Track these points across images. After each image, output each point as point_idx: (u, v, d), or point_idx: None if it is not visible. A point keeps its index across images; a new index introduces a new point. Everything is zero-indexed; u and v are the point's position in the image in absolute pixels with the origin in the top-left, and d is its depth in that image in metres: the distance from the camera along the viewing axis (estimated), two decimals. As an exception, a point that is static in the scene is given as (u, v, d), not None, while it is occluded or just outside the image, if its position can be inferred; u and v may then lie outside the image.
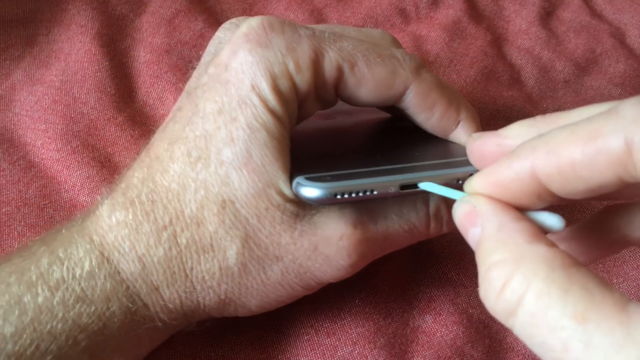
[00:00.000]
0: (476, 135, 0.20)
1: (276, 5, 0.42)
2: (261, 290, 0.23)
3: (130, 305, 0.21)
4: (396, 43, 0.27)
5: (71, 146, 0.32)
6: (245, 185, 0.21)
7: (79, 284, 0.21)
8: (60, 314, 0.20)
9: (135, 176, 0.22)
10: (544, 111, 0.37)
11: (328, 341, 0.26)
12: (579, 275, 0.15)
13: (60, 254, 0.21)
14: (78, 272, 0.21)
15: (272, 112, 0.21)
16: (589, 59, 0.41)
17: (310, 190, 0.21)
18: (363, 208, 0.23)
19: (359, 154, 0.25)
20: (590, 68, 0.41)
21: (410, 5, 0.43)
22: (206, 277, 0.22)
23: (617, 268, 0.30)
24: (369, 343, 0.26)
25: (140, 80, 0.36)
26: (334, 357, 0.26)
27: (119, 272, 0.21)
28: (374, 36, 0.26)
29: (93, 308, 0.21)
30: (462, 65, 0.40)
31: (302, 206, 0.22)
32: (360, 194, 0.21)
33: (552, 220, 0.18)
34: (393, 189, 0.21)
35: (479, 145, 0.20)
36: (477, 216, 0.18)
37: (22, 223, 0.29)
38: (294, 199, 0.21)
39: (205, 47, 0.38)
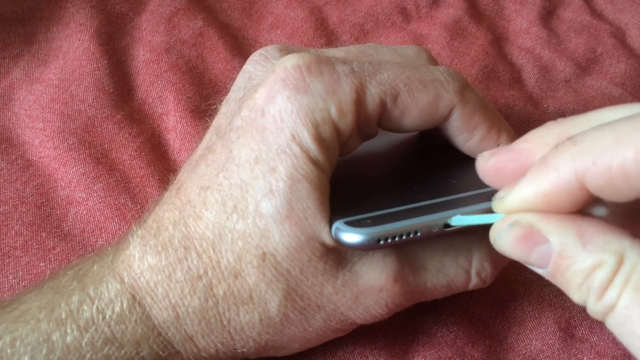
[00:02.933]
0: (487, 154, 0.20)
1: (276, 3, 0.42)
2: (303, 336, 0.22)
3: (162, 352, 0.21)
4: (432, 60, 0.26)
5: (67, 143, 0.32)
6: (287, 239, 0.20)
7: (109, 325, 0.20)
8: (88, 355, 0.20)
9: (167, 218, 0.21)
10: (544, 111, 0.37)
11: (329, 341, 0.26)
12: None
13: (91, 292, 0.21)
14: (108, 313, 0.20)
15: (313, 162, 0.20)
16: (590, 59, 0.41)
17: (351, 237, 0.20)
18: (405, 257, 0.22)
19: (393, 185, 0.24)
20: (591, 68, 0.41)
21: (411, 4, 0.43)
22: (245, 328, 0.21)
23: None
24: (369, 343, 0.26)
25: (139, 78, 0.36)
26: (334, 357, 0.26)
27: (150, 318, 0.21)
28: (410, 55, 0.25)
29: (122, 352, 0.20)
30: (463, 65, 0.40)
31: (344, 254, 0.21)
32: (404, 237, 0.20)
33: (599, 211, 0.18)
34: (436, 229, 0.20)
35: (493, 164, 0.19)
36: (537, 235, 0.17)
37: (20, 222, 0.29)
38: (336, 246, 0.21)
39: (205, 45, 0.38)
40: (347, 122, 0.21)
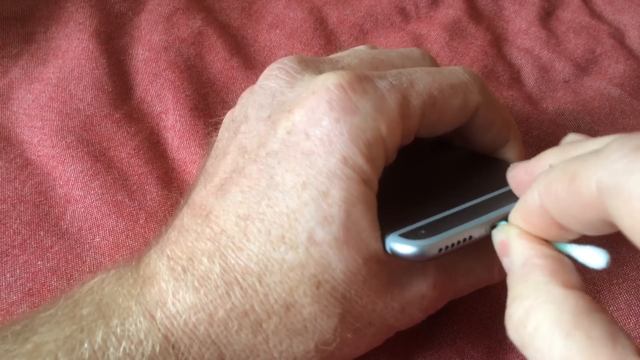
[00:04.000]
0: (513, 165, 0.21)
1: (275, 3, 0.42)
2: (353, 353, 0.22)
3: None
4: (434, 62, 0.26)
5: (66, 142, 0.32)
6: (345, 264, 0.19)
7: None
8: None
9: (199, 249, 0.20)
10: (543, 111, 0.37)
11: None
12: (586, 322, 0.15)
13: (117, 330, 0.19)
14: (138, 357, 0.18)
15: (365, 182, 0.19)
16: (589, 59, 0.41)
17: (410, 249, 0.19)
18: (439, 263, 0.22)
19: (423, 189, 0.23)
20: (590, 68, 0.41)
21: (410, 5, 0.43)
22: (299, 357, 0.20)
23: (617, 269, 0.29)
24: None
25: (138, 77, 0.36)
26: (332, 356, 0.26)
27: None
28: (417, 58, 0.25)
29: None
30: (462, 65, 0.40)
31: (392, 268, 0.21)
32: (460, 243, 0.20)
33: (592, 256, 0.17)
34: (485, 231, 0.20)
35: (514, 174, 0.20)
36: (507, 247, 0.19)
37: (18, 221, 0.29)
38: (388, 262, 0.20)
39: (204, 45, 0.38)
40: (395, 139, 0.20)
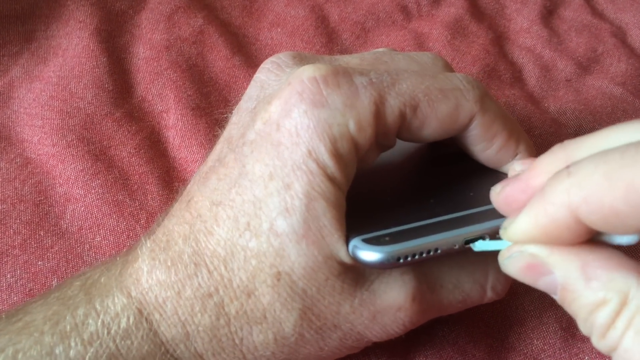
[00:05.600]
0: (498, 187, 0.19)
1: (277, 1, 0.42)
2: (318, 354, 0.22)
3: None
4: (448, 67, 0.25)
5: (66, 140, 0.31)
6: (304, 259, 0.19)
7: (114, 341, 0.19)
8: None
9: (177, 231, 0.21)
10: (545, 110, 0.37)
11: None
12: None
13: (97, 305, 0.20)
14: (114, 328, 0.20)
15: (330, 179, 0.19)
16: (591, 58, 0.41)
17: (369, 255, 0.19)
18: (422, 275, 0.21)
19: (409, 198, 0.23)
20: (591, 67, 0.41)
21: (412, 3, 0.43)
22: (259, 348, 0.21)
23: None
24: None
25: (139, 76, 0.36)
26: (334, 356, 0.26)
27: (157, 334, 0.20)
28: (426, 62, 0.24)
29: None
30: (464, 64, 0.39)
31: (362, 273, 0.21)
32: (424, 255, 0.19)
33: (624, 239, 0.16)
34: (457, 246, 0.19)
35: (504, 198, 0.19)
36: (542, 266, 0.17)
37: (18, 220, 0.29)
38: (353, 265, 0.20)
39: (205, 43, 0.38)
40: (366, 136, 0.20)
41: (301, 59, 0.23)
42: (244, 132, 0.21)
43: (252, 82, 0.23)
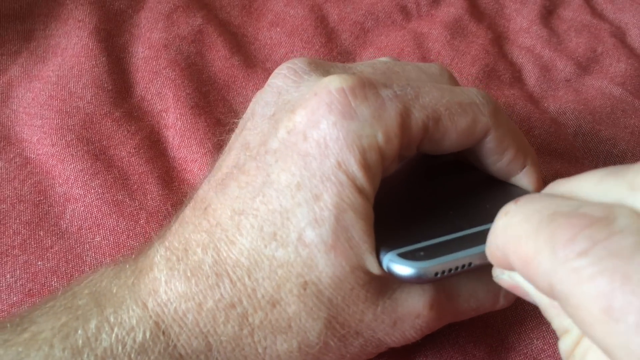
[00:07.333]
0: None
1: (276, 1, 0.42)
2: (338, 357, 0.22)
3: None
4: (453, 79, 0.26)
5: (66, 140, 0.31)
6: (332, 269, 0.19)
7: (129, 356, 0.19)
8: None
9: (194, 240, 0.20)
10: (544, 110, 0.37)
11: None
12: None
13: (111, 318, 0.19)
14: (129, 343, 0.19)
15: (359, 190, 0.19)
16: (590, 58, 0.41)
17: (407, 270, 0.19)
18: (440, 285, 0.22)
19: (430, 210, 0.23)
20: (591, 67, 0.41)
21: (411, 3, 0.43)
22: (282, 356, 0.20)
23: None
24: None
25: (138, 75, 0.36)
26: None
27: (176, 348, 0.19)
28: (434, 74, 0.25)
29: None
30: (464, 64, 0.39)
31: (385, 282, 0.21)
32: (459, 269, 0.20)
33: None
34: (487, 259, 0.19)
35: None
36: (522, 289, 0.18)
37: (17, 220, 0.29)
38: (379, 275, 0.20)
39: (205, 43, 0.38)
40: (392, 148, 0.20)
41: (317, 66, 0.23)
42: (265, 140, 0.21)
43: (266, 87, 0.23)
